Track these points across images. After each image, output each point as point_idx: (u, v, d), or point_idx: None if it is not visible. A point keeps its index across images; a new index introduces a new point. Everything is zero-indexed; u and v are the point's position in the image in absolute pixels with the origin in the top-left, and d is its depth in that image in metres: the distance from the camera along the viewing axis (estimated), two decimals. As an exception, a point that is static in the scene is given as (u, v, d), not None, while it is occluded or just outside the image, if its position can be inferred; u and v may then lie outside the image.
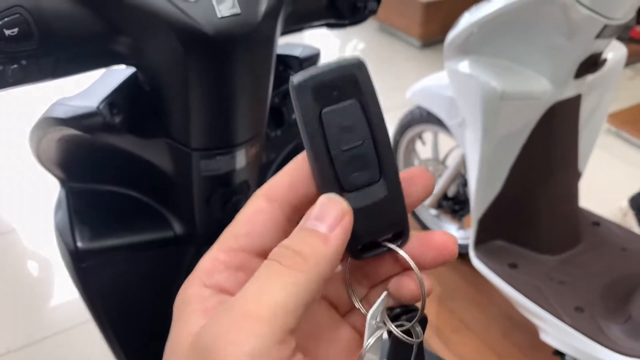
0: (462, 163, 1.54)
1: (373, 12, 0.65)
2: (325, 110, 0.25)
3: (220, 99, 0.52)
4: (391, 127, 1.84)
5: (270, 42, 0.52)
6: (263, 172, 0.69)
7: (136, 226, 0.64)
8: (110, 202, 0.65)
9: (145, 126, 0.56)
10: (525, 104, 1.21)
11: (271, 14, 0.50)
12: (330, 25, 0.67)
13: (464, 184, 1.60)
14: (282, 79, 0.68)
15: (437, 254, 0.27)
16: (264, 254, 0.25)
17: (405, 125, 1.73)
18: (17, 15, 0.42)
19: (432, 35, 3.20)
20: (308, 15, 0.62)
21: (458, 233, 1.79)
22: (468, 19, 1.21)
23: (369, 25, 3.66)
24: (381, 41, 3.49)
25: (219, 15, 0.46)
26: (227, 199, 0.61)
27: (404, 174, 0.28)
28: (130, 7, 0.45)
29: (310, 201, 0.26)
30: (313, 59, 0.71)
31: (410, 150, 1.83)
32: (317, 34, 3.70)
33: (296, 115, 0.26)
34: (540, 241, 1.37)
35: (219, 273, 0.25)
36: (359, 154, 0.26)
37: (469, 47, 1.23)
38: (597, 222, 1.41)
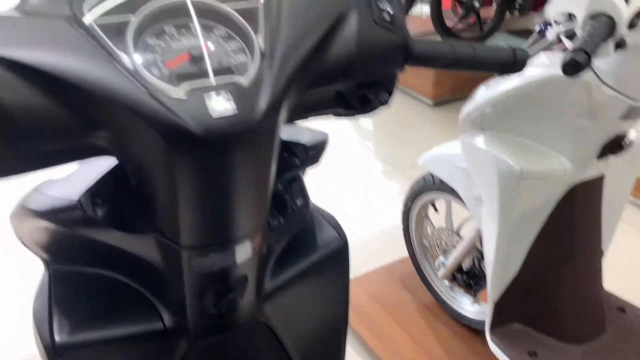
0: (478, 237, 1.47)
1: (384, 103, 0.61)
2: None
3: (212, 197, 0.47)
4: (403, 186, 1.77)
5: (271, 137, 0.48)
6: (262, 263, 0.63)
7: (122, 316, 0.58)
8: (96, 287, 0.60)
9: (130, 220, 0.52)
10: (544, 183, 1.15)
11: (272, 111, 0.45)
12: (338, 115, 0.62)
13: (480, 258, 1.52)
14: (286, 165, 0.63)
15: None
16: None
17: (417, 192, 1.67)
18: None
19: (443, 95, 3.35)
20: (314, 106, 0.58)
21: (473, 307, 1.70)
22: (485, 93, 1.17)
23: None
24: (396, 99, 3.51)
25: (213, 116, 0.41)
26: (222, 296, 0.56)
27: None
28: (107, 102, 0.41)
29: None
30: (320, 146, 0.67)
31: (423, 217, 1.76)
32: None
33: None
34: (562, 328, 1.28)
35: None
36: None
37: (485, 123, 1.18)
38: (622, 307, 1.32)
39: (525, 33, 3.85)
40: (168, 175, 0.45)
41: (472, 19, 3.49)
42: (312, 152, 0.65)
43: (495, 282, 1.28)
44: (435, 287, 1.80)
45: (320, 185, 2.50)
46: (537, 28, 0.97)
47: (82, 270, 0.60)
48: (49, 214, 0.50)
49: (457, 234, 1.63)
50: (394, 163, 2.81)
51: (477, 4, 3.30)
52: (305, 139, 0.66)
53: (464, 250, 1.53)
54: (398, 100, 3.51)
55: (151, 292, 0.60)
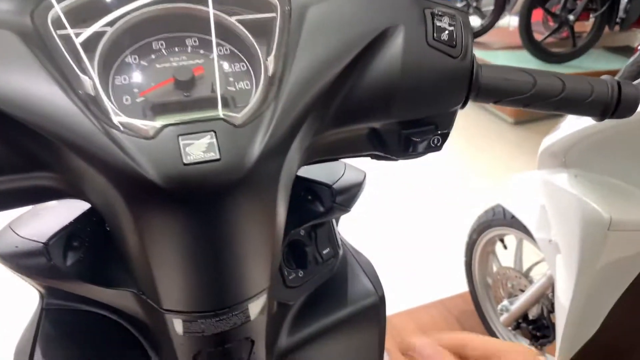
0: (550, 284, 1.29)
1: (436, 148, 0.48)
2: None
3: (192, 260, 0.37)
4: (474, 211, 1.58)
5: (273, 186, 0.36)
6: (277, 319, 0.52)
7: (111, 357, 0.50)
8: (88, 325, 0.52)
9: (105, 272, 0.43)
10: (637, 235, 0.96)
11: (274, 155, 0.34)
12: (376, 157, 0.50)
13: (550, 308, 1.33)
14: (308, 211, 0.52)
15: None
16: None
17: (485, 225, 1.50)
18: None
19: (525, 112, 3.19)
20: (342, 146, 0.46)
21: (538, 359, 1.50)
22: (572, 125, 0.99)
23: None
24: (472, 115, 3.32)
25: (185, 161, 0.31)
26: (221, 359, 0.45)
27: None
28: (47, 139, 0.31)
29: None
30: (352, 190, 0.54)
31: (489, 252, 1.59)
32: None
33: None
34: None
35: None
36: None
37: (570, 159, 1.01)
38: None
39: (626, 50, 3.50)
40: (134, 232, 0.35)
41: (564, 33, 3.20)
42: (341, 198, 0.53)
43: (567, 341, 1.10)
44: (495, 331, 1.63)
45: (393, 201, 2.37)
46: None
47: (77, 307, 0.52)
48: (12, 259, 0.42)
49: (527, 277, 1.44)
50: (468, 185, 2.61)
51: (571, 17, 3.01)
52: (333, 178, 0.54)
53: (532, 297, 1.35)
54: (474, 116, 3.30)
55: (145, 337, 0.51)
